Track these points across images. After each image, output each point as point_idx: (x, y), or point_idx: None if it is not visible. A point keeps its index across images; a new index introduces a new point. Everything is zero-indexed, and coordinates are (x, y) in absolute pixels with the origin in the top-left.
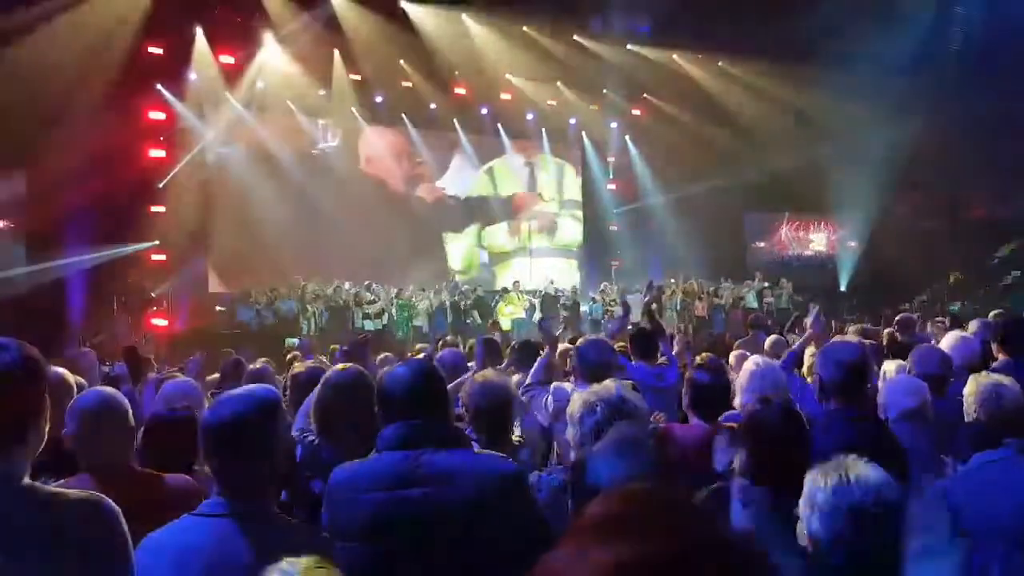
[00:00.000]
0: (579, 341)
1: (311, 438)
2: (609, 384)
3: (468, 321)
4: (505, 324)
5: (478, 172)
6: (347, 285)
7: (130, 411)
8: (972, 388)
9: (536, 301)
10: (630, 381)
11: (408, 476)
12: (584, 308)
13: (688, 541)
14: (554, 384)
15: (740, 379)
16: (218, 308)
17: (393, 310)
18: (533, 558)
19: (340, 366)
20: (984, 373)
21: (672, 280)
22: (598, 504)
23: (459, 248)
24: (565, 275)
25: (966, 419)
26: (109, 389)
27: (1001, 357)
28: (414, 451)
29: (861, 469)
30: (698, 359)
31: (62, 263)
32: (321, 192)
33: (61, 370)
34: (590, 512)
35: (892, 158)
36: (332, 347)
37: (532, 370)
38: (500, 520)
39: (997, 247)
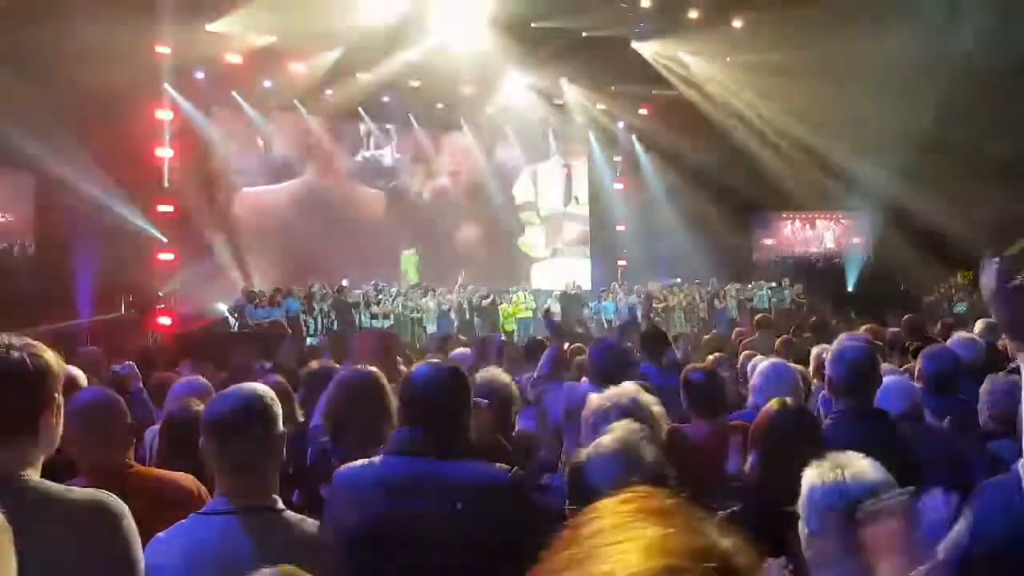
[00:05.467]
0: (592, 343)
1: (323, 439)
2: (626, 388)
3: (476, 322)
4: (510, 325)
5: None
6: (346, 282)
7: (127, 410)
8: (987, 388)
9: (543, 301)
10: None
11: (408, 485)
12: (592, 307)
13: (676, 557)
14: (567, 384)
15: (754, 380)
16: (219, 304)
17: (400, 311)
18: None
19: (355, 367)
20: (1001, 373)
21: (679, 279)
22: (582, 517)
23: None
24: (575, 276)
25: (980, 419)
26: (103, 389)
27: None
28: (417, 458)
29: (858, 466)
30: (708, 359)
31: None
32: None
33: (75, 370)
34: (572, 527)
35: (903, 154)
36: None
37: (540, 363)
38: (500, 531)
39: (1008, 246)
